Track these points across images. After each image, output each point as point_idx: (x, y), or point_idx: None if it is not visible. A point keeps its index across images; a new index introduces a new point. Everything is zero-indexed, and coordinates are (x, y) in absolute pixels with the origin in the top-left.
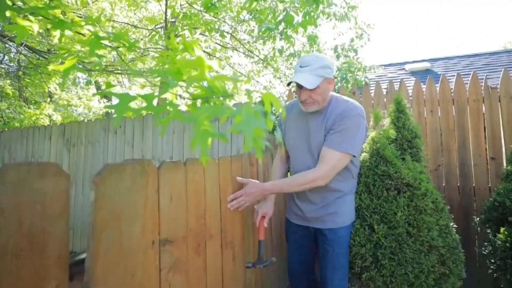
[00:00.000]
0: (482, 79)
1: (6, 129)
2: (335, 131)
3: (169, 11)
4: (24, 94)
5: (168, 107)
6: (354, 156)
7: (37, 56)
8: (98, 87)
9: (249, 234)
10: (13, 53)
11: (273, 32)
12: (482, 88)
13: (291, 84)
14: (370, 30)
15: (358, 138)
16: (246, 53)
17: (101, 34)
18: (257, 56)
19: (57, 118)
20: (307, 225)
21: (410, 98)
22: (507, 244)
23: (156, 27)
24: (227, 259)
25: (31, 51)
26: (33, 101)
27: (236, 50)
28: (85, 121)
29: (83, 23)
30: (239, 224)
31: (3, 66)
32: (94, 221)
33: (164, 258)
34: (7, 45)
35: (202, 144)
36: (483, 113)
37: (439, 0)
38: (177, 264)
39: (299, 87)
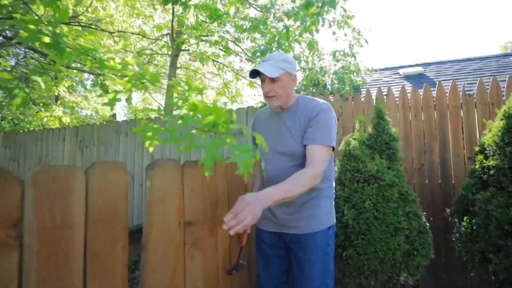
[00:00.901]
0: (470, 84)
1: (21, 131)
2: (314, 127)
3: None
4: (32, 97)
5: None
6: (334, 148)
7: (46, 60)
8: (104, 89)
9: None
10: (23, 58)
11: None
12: (461, 95)
13: (257, 77)
14: (366, 35)
15: (333, 132)
16: (247, 57)
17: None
18: (258, 61)
19: (66, 119)
20: (280, 231)
21: (397, 103)
22: (468, 230)
23: (162, 34)
24: (233, 242)
25: (42, 55)
26: (40, 104)
27: (239, 56)
28: (97, 124)
29: (118, 66)
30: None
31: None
32: (149, 201)
33: (187, 236)
34: (19, 50)
35: (207, 163)
36: (462, 118)
37: (436, 2)
38: (197, 242)
39: (262, 80)
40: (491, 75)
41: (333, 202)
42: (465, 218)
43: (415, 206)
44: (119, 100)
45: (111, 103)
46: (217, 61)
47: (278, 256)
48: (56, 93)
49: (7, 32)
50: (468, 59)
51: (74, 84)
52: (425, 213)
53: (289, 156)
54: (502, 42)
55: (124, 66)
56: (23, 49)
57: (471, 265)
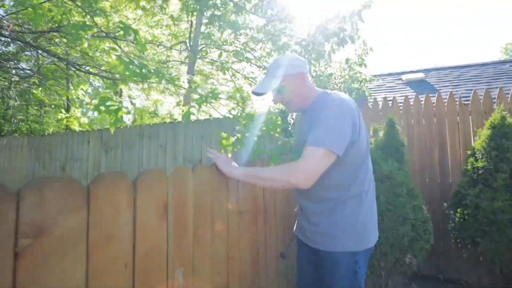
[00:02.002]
0: (470, 91)
1: (45, 133)
2: (314, 126)
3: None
4: (45, 100)
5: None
6: (338, 156)
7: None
8: (116, 92)
9: (278, 212)
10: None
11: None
12: (457, 104)
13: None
14: (371, 43)
15: (338, 134)
16: (258, 64)
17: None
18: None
19: (84, 121)
20: (304, 240)
21: (401, 111)
22: (461, 220)
23: (179, 42)
24: (265, 227)
25: (67, 62)
26: (52, 106)
27: (252, 63)
28: (121, 127)
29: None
30: (274, 206)
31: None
32: (195, 196)
33: (242, 220)
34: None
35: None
36: (458, 124)
37: (438, 5)
38: (247, 225)
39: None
40: (488, 82)
41: (365, 220)
42: (458, 210)
43: (419, 201)
44: (193, 113)
45: (186, 115)
46: (232, 68)
47: (310, 263)
48: (75, 97)
49: (25, 37)
50: (467, 66)
51: (92, 88)
52: (426, 207)
53: None
54: (503, 44)
55: (196, 86)
56: (41, 53)
57: (464, 249)
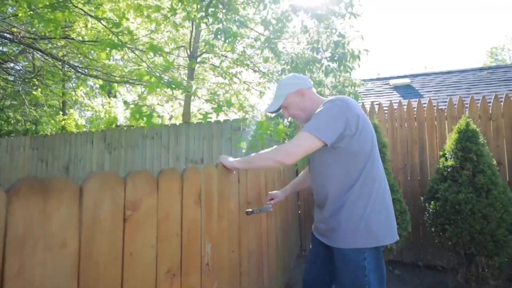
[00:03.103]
0: (450, 96)
1: (48, 134)
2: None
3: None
4: (42, 101)
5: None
6: (325, 143)
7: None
8: (110, 93)
9: (282, 206)
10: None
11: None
12: (435, 110)
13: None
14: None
15: (326, 123)
16: (255, 68)
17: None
18: (264, 73)
19: (81, 122)
20: (317, 236)
21: (386, 115)
22: (433, 210)
23: (178, 46)
24: (270, 217)
25: (69, 66)
26: (48, 107)
27: (251, 69)
28: (125, 128)
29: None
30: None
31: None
32: (218, 188)
33: (250, 209)
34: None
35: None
36: (435, 127)
37: (424, 10)
38: (254, 216)
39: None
40: (467, 87)
41: (372, 217)
42: (432, 202)
43: (398, 195)
44: (210, 118)
45: (204, 119)
46: (230, 73)
47: (320, 254)
48: (74, 98)
49: (25, 38)
50: (449, 72)
51: (89, 89)
52: (405, 200)
53: (315, 169)
54: (488, 48)
55: (214, 94)
56: (40, 55)
57: (436, 236)
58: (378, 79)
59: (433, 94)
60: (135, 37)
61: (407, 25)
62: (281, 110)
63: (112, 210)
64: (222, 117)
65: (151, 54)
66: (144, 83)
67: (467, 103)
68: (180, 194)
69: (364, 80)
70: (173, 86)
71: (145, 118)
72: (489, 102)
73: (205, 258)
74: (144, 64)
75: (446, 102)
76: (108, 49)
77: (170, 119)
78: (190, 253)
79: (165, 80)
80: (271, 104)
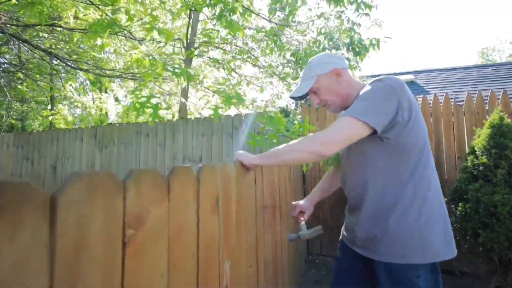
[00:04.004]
0: (457, 92)
1: (34, 130)
2: None
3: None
4: (27, 96)
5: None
6: (375, 130)
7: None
8: (100, 89)
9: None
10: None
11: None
12: (452, 105)
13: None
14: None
15: (375, 106)
16: (254, 64)
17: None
18: (264, 67)
19: (70, 118)
20: (350, 246)
21: None
22: (462, 213)
23: (173, 39)
24: (283, 221)
25: (56, 58)
26: (35, 102)
27: (250, 63)
28: (117, 124)
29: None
30: (285, 201)
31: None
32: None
33: (265, 214)
34: (26, 48)
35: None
36: (453, 124)
37: (420, 9)
38: (269, 219)
39: (310, 96)
40: (473, 84)
41: (428, 227)
42: (460, 204)
43: None
44: (220, 115)
45: (215, 115)
46: (229, 67)
47: (354, 271)
48: (63, 93)
49: (9, 28)
50: (452, 69)
51: (79, 85)
52: None
53: (353, 165)
54: (479, 48)
55: (223, 84)
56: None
57: (464, 240)
58: (380, 75)
59: (439, 91)
60: (128, 27)
61: (399, 24)
62: (308, 97)
63: (106, 232)
64: (221, 112)
65: (150, 44)
66: (138, 76)
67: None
68: (196, 200)
69: (366, 77)
70: (177, 72)
71: (147, 111)
72: (498, 98)
73: (223, 280)
74: (143, 47)
75: (452, 98)
76: (102, 33)
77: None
78: (207, 277)
79: (169, 67)
80: (298, 87)
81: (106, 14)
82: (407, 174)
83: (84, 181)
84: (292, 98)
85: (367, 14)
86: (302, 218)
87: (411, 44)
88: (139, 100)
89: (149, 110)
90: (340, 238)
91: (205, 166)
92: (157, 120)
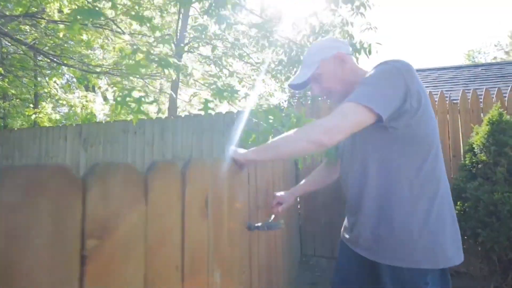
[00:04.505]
0: (448, 91)
1: (15, 128)
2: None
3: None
4: (9, 92)
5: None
6: (380, 116)
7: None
8: (87, 86)
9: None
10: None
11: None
12: (447, 103)
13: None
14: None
15: (381, 90)
16: (245, 60)
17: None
18: (257, 63)
19: (56, 117)
20: (351, 247)
21: None
22: (461, 212)
23: (164, 34)
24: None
25: (39, 53)
26: (18, 100)
27: (242, 60)
28: (103, 122)
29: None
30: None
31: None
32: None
33: (259, 215)
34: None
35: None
36: (448, 122)
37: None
38: (263, 221)
39: (311, 85)
40: (465, 83)
41: (439, 229)
42: (458, 202)
43: None
44: (210, 108)
45: (205, 108)
46: (220, 64)
47: (355, 274)
48: (46, 90)
49: None
50: (443, 68)
51: (64, 82)
52: None
53: (359, 159)
54: (466, 50)
55: (214, 76)
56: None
57: (463, 240)
58: None
59: (432, 89)
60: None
61: (389, 24)
62: (303, 86)
63: (54, 245)
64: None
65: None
66: (127, 72)
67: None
68: (181, 201)
69: None
70: (163, 64)
71: (132, 106)
72: (493, 96)
73: None
74: (126, 37)
75: (447, 97)
76: (84, 21)
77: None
78: (195, 286)
79: (154, 57)
80: (298, 74)
81: (88, 2)
82: (416, 168)
83: (18, 178)
84: (291, 86)
85: (362, 14)
86: (275, 209)
87: (401, 44)
88: (121, 94)
89: (132, 105)
90: (340, 239)
91: (193, 161)
92: (144, 118)
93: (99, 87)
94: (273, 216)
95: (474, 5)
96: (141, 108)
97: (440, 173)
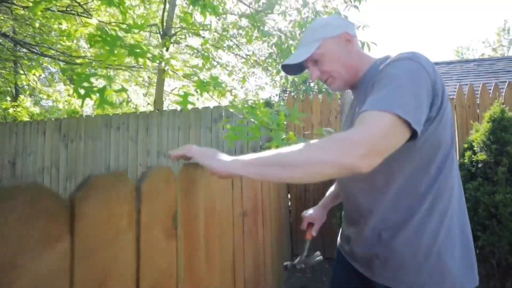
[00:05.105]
0: None
1: None
2: (374, 89)
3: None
4: None
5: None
6: (415, 132)
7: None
8: (71, 79)
9: (273, 211)
10: None
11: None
12: None
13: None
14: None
15: (413, 97)
16: (235, 52)
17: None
18: (247, 55)
19: (35, 111)
20: (355, 266)
21: None
22: None
23: (149, 25)
24: (266, 227)
25: (15, 42)
26: None
27: (232, 52)
28: (84, 116)
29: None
30: (269, 208)
31: None
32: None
33: (245, 222)
34: None
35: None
36: None
37: (392, 8)
38: (249, 229)
39: (307, 68)
40: (458, 79)
41: (448, 247)
42: None
43: None
44: (190, 102)
45: (184, 103)
46: (208, 56)
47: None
48: (26, 83)
49: None
50: (436, 63)
51: (45, 75)
52: None
53: None
54: (454, 47)
55: (195, 66)
56: None
57: None
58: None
59: None
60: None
61: (378, 19)
62: (299, 70)
63: None
64: (200, 104)
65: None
66: (115, 65)
67: (464, 93)
68: (136, 226)
69: None
70: (137, 52)
71: (94, 96)
72: (490, 91)
73: None
74: (93, 21)
75: None
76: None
77: (136, 110)
78: None
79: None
80: (294, 53)
81: None
82: (429, 179)
83: None
84: (285, 69)
85: (356, 7)
86: (308, 235)
87: (390, 40)
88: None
89: (95, 95)
90: (337, 247)
91: (153, 170)
92: (126, 113)
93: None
94: (308, 241)
95: (463, 2)
96: (105, 97)
97: (453, 184)
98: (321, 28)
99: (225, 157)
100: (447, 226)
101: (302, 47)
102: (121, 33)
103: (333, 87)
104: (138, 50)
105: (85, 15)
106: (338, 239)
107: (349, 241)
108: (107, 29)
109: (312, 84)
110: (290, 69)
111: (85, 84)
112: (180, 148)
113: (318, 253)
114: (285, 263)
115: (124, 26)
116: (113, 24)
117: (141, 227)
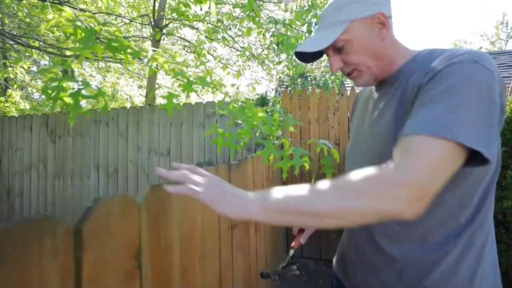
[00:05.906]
0: None
1: None
2: (425, 98)
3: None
4: None
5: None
6: (488, 160)
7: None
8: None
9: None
10: None
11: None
12: None
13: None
14: None
15: (483, 120)
16: (230, 45)
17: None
18: (242, 47)
19: (25, 106)
20: None
21: None
22: None
23: (140, 15)
24: (259, 231)
25: (1, 34)
26: None
27: (226, 44)
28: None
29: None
30: None
31: None
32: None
33: (234, 235)
34: None
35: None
36: None
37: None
38: (239, 242)
39: (328, 55)
40: None
41: (488, 281)
42: None
43: None
44: (175, 104)
45: (168, 105)
46: (202, 49)
47: None
48: (13, 76)
49: None
50: None
51: (33, 67)
52: None
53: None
54: (452, 40)
55: (181, 64)
56: None
57: None
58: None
59: None
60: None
61: None
62: (315, 56)
63: None
64: (193, 99)
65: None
66: (110, 58)
67: None
68: (74, 278)
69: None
70: (117, 47)
71: (66, 100)
72: None
73: None
74: (67, 9)
75: None
76: None
77: (131, 102)
78: None
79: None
80: (314, 38)
81: None
82: (468, 213)
83: None
84: (299, 56)
85: None
86: (295, 243)
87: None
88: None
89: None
90: (333, 270)
91: (100, 204)
92: (115, 108)
93: (82, 74)
94: (292, 252)
95: None
96: (79, 104)
97: (491, 213)
98: (348, 6)
99: (238, 195)
100: (483, 264)
101: (323, 29)
102: (97, 26)
103: (359, 82)
104: (116, 45)
105: (56, 1)
106: (334, 261)
107: (353, 269)
108: (81, 20)
109: (309, 78)
110: (305, 55)
111: (54, 84)
112: (175, 170)
113: (294, 267)
114: (261, 270)
115: (109, 17)
116: (90, 13)
117: (82, 282)
